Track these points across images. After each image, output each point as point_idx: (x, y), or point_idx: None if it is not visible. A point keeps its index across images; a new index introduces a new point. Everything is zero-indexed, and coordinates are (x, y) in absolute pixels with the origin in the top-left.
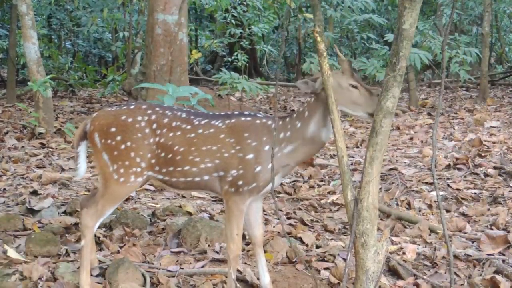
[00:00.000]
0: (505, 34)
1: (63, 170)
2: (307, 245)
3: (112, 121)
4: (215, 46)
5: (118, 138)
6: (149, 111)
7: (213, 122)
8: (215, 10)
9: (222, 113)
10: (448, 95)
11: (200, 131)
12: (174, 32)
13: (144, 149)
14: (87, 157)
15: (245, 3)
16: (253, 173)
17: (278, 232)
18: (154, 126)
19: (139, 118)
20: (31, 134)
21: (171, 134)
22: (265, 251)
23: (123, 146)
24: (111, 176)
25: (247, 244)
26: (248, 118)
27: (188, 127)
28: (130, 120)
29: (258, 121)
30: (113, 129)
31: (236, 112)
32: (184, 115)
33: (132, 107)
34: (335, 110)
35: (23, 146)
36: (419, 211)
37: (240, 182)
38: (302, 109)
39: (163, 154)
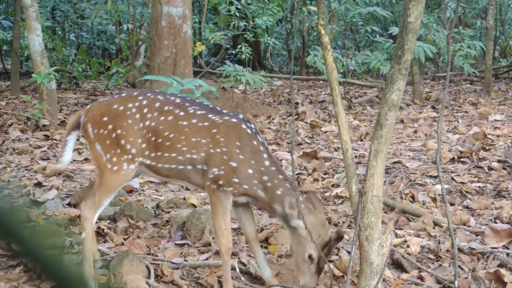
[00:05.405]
0: (509, 28)
1: None
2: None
3: (104, 111)
4: (219, 38)
5: (110, 127)
6: (140, 97)
7: (210, 115)
8: (219, 2)
9: (224, 111)
10: (452, 88)
11: (194, 121)
12: (178, 25)
13: (134, 135)
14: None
15: None
16: (231, 179)
17: None
18: (145, 110)
19: (130, 105)
20: (35, 126)
21: (162, 118)
22: (269, 244)
23: (114, 135)
24: (105, 166)
25: None
26: (249, 131)
27: (182, 113)
28: (121, 108)
29: (255, 142)
30: (105, 119)
31: (241, 116)
32: (178, 100)
33: (123, 95)
34: (339, 103)
35: (27, 138)
36: (423, 204)
37: (221, 182)
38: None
39: (153, 138)
